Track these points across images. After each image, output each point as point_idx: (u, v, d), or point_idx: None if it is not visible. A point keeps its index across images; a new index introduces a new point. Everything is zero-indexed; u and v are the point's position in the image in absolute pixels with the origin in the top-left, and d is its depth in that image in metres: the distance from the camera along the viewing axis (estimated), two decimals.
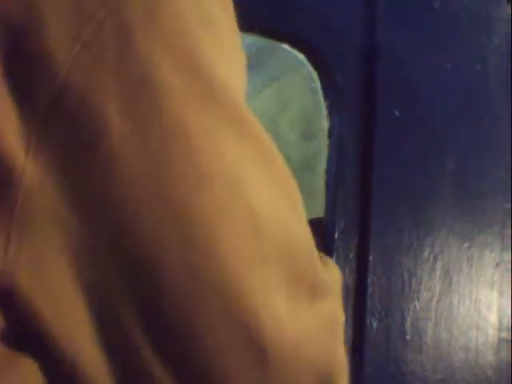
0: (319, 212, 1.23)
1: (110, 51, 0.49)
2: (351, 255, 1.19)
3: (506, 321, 1.29)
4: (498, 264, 1.28)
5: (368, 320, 1.18)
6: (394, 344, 1.20)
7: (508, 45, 1.33)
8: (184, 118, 0.50)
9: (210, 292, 0.51)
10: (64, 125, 0.49)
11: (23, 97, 0.49)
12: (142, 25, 0.50)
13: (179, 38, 0.51)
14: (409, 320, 1.21)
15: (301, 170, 1.78)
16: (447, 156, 1.27)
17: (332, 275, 0.63)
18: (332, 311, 0.60)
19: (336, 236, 1.18)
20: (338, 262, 1.18)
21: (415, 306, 1.21)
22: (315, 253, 0.59)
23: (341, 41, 1.23)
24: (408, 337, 1.21)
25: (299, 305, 0.55)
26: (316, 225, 1.19)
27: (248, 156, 0.54)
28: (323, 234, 1.20)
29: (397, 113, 1.23)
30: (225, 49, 0.55)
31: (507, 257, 1.29)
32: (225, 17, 0.56)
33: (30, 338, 0.50)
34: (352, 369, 1.18)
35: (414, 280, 1.21)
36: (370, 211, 1.20)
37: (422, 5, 1.28)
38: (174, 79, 0.50)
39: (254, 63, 1.61)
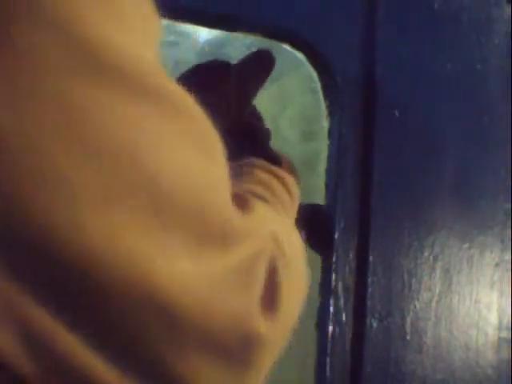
0: None
1: None
2: (351, 255, 1.19)
3: (506, 321, 1.29)
4: (497, 264, 1.28)
5: (368, 320, 1.18)
6: (394, 344, 1.20)
7: (508, 45, 1.33)
8: (67, 91, 0.48)
9: (102, 268, 0.50)
10: None
11: None
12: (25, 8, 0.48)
13: (63, 13, 0.48)
14: (409, 320, 1.21)
15: (301, 169, 1.78)
16: (447, 156, 1.27)
17: (255, 216, 0.61)
18: (247, 258, 0.57)
19: (336, 236, 1.18)
20: (338, 262, 1.18)
21: (415, 306, 1.21)
22: (227, 205, 0.57)
23: (341, 41, 1.23)
24: (408, 337, 1.21)
25: (207, 265, 0.54)
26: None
27: (152, 119, 0.51)
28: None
29: (397, 113, 1.24)
30: (126, 19, 0.51)
31: (507, 257, 1.29)
32: None
33: None
34: (352, 369, 1.19)
35: (414, 280, 1.21)
36: (370, 211, 1.20)
37: (422, 5, 1.28)
38: (56, 54, 0.48)
39: None
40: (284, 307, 0.58)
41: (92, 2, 0.49)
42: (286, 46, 1.23)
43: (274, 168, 0.84)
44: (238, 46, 1.56)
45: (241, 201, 0.59)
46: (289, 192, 0.83)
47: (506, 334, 1.29)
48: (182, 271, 0.52)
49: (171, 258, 0.51)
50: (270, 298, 0.58)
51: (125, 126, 0.50)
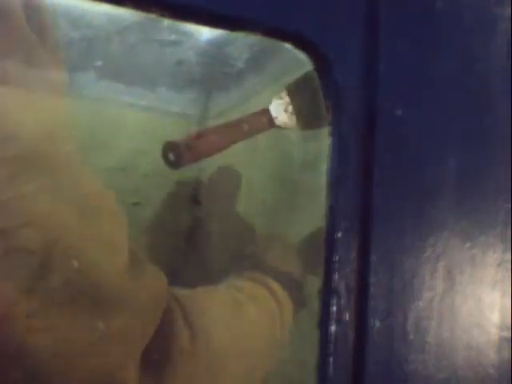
0: (321, 212, 1.22)
1: None
2: (353, 255, 1.19)
3: (508, 320, 1.29)
4: (500, 264, 1.28)
5: (370, 320, 1.18)
6: (396, 344, 1.20)
7: (510, 44, 1.33)
8: None
9: None
10: None
11: None
12: None
13: None
14: (411, 320, 1.21)
15: (302, 169, 1.78)
16: (449, 156, 1.26)
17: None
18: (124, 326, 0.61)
19: (338, 236, 1.18)
20: (339, 262, 1.18)
21: (417, 306, 1.21)
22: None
23: (342, 40, 1.23)
24: (410, 336, 1.21)
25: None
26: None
27: None
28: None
29: (398, 112, 1.23)
30: None
31: (509, 257, 1.29)
32: None
33: None
34: (355, 368, 1.19)
35: (416, 280, 1.21)
36: (372, 211, 1.20)
37: (424, 4, 1.28)
38: None
39: (257, 63, 1.61)
40: None
41: None
42: (288, 46, 1.23)
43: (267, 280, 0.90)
44: (240, 45, 1.56)
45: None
46: (277, 302, 0.89)
47: (507, 334, 1.29)
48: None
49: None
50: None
51: None
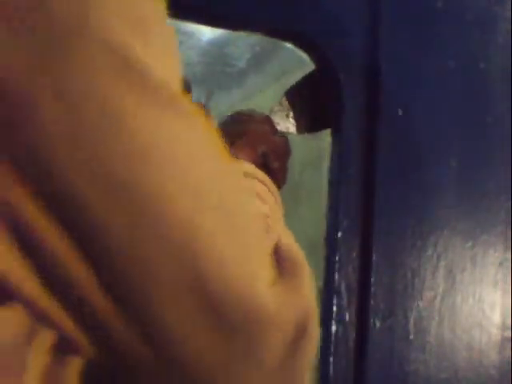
0: (322, 211, 1.23)
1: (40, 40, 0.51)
2: (354, 255, 1.19)
3: (509, 320, 1.29)
4: (501, 263, 1.28)
5: (371, 320, 1.18)
6: (397, 343, 1.20)
7: (511, 44, 1.33)
8: (116, 100, 0.52)
9: (158, 260, 0.53)
10: None
11: None
12: (75, 28, 0.52)
13: (108, 35, 0.53)
14: (412, 319, 1.21)
15: (304, 168, 1.78)
16: (450, 155, 1.27)
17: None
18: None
19: (339, 235, 1.18)
20: (341, 261, 1.18)
21: (418, 306, 1.21)
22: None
23: (344, 40, 1.23)
24: (411, 336, 1.21)
25: (257, 269, 0.57)
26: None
27: (182, 134, 0.55)
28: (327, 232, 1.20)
29: (400, 112, 1.23)
30: (154, 44, 0.56)
31: (510, 256, 1.29)
32: (154, 12, 0.57)
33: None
34: (356, 368, 1.19)
35: (417, 279, 1.21)
36: (373, 211, 1.20)
37: (425, 4, 1.28)
38: (103, 66, 0.52)
39: (258, 62, 1.61)
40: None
41: (134, 31, 0.54)
42: (289, 45, 1.23)
43: (251, 169, 0.90)
44: (241, 45, 1.56)
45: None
46: (272, 192, 0.88)
47: (508, 334, 1.29)
48: (231, 275, 0.54)
49: (221, 257, 0.54)
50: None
51: (167, 140, 0.54)
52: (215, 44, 1.71)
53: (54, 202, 0.52)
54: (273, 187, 0.90)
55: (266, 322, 0.55)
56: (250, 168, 0.91)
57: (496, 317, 1.27)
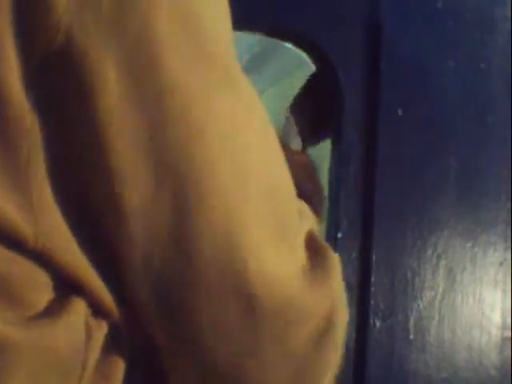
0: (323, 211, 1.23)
1: (106, 5, 0.51)
2: (354, 255, 1.19)
3: (510, 320, 1.29)
4: (501, 263, 1.28)
5: (371, 319, 1.18)
6: (397, 343, 1.20)
7: (510, 44, 1.33)
8: (178, 73, 0.53)
9: (202, 242, 0.53)
10: (65, 78, 0.51)
11: (26, 48, 0.51)
12: None
13: None
14: (412, 319, 1.21)
15: None
16: (450, 155, 1.26)
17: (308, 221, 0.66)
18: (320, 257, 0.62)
19: (339, 235, 1.18)
20: (341, 261, 1.18)
21: (418, 306, 1.21)
22: (297, 204, 0.62)
23: (344, 40, 1.23)
24: (411, 336, 1.21)
25: (290, 259, 0.57)
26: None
27: (237, 110, 0.57)
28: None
29: (400, 112, 1.23)
30: (226, 20, 0.60)
31: (510, 256, 1.29)
32: None
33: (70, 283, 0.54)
34: (355, 368, 1.19)
35: (417, 279, 1.21)
36: (373, 210, 1.20)
37: (426, 4, 1.28)
38: (167, 34, 0.53)
39: (258, 62, 1.61)
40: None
41: (213, 11, 0.58)
42: (289, 45, 1.23)
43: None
44: (241, 45, 1.56)
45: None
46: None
47: (508, 333, 1.29)
48: (266, 259, 0.55)
49: (258, 244, 0.55)
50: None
51: (224, 116, 0.55)
52: None
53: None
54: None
55: (298, 311, 0.56)
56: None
57: (496, 317, 1.27)
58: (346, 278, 1.19)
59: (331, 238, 1.19)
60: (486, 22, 1.32)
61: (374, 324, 1.18)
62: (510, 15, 1.34)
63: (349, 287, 1.18)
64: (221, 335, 0.55)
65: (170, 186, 0.52)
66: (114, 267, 0.54)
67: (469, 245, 1.26)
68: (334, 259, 0.63)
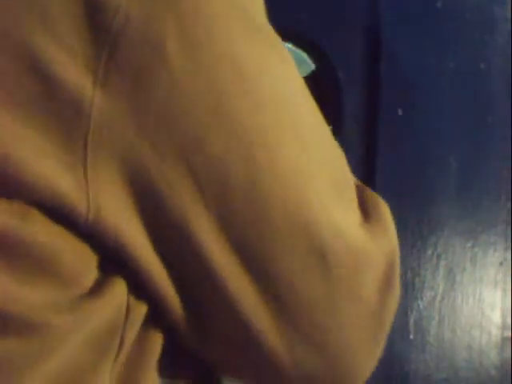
0: None
1: None
2: None
3: (509, 320, 1.29)
4: (501, 263, 1.28)
5: None
6: (397, 343, 1.20)
7: (511, 44, 1.33)
8: (232, 44, 0.55)
9: (274, 207, 0.55)
10: (128, 56, 0.52)
11: (89, 29, 0.52)
12: None
13: None
14: (412, 319, 1.21)
15: None
16: (450, 155, 1.27)
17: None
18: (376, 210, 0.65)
19: None
20: None
21: (418, 305, 1.21)
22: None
23: (344, 40, 1.23)
24: (411, 336, 1.21)
25: (350, 213, 0.61)
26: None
27: (289, 78, 0.60)
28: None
29: (400, 112, 1.23)
30: None
31: (510, 256, 1.29)
32: None
33: (116, 261, 0.55)
34: None
35: (417, 279, 1.21)
36: None
37: (425, 4, 1.28)
38: (219, 7, 0.55)
39: None
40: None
41: None
42: (289, 45, 1.23)
43: None
44: None
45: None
46: None
47: (508, 333, 1.29)
48: (335, 217, 0.58)
49: (326, 204, 0.58)
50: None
51: (280, 84, 0.58)
52: None
53: (182, 154, 0.53)
54: None
55: (363, 261, 0.59)
56: None
57: (496, 317, 1.27)
58: None
59: None
60: (486, 22, 1.32)
61: None
62: (510, 15, 1.34)
63: None
64: (298, 290, 0.57)
65: (240, 152, 0.54)
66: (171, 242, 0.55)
67: (469, 245, 1.26)
68: (385, 208, 0.66)
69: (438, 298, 1.23)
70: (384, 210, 0.66)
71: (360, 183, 0.68)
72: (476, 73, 1.31)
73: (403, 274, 1.21)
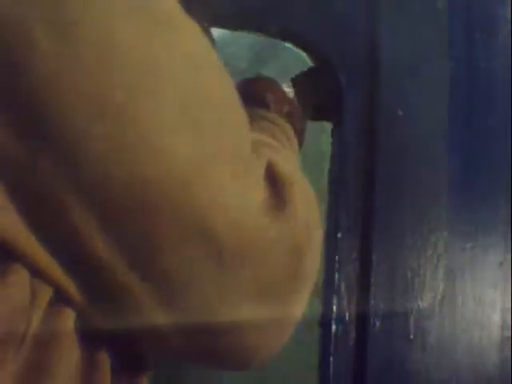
0: (322, 211, 1.23)
1: None
2: (354, 255, 1.19)
3: (509, 319, 1.29)
4: (501, 263, 1.28)
5: (371, 320, 1.18)
6: (397, 343, 1.20)
7: (510, 44, 1.33)
8: (107, 24, 0.54)
9: (162, 199, 0.53)
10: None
11: None
12: None
13: None
14: (412, 319, 1.21)
15: (304, 169, 1.77)
16: (450, 155, 1.27)
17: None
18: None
19: (339, 236, 1.18)
20: (341, 261, 1.18)
21: (419, 306, 1.21)
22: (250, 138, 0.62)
23: (344, 40, 1.23)
24: (411, 336, 1.21)
25: (253, 192, 0.58)
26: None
27: (187, 56, 0.58)
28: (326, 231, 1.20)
29: (400, 112, 1.23)
30: None
31: (510, 256, 1.29)
32: None
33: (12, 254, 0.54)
34: (356, 368, 1.19)
35: (417, 280, 1.21)
36: (373, 211, 1.20)
37: (426, 4, 1.28)
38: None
39: (258, 62, 1.61)
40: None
41: None
42: (289, 46, 1.23)
43: (271, 115, 0.90)
44: (241, 45, 1.56)
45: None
46: (287, 137, 0.88)
47: (508, 333, 1.29)
48: (228, 204, 0.55)
49: (218, 190, 0.55)
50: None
51: (156, 51, 0.56)
52: (216, 44, 1.70)
53: (51, 141, 0.52)
54: (291, 133, 0.90)
55: (260, 252, 0.57)
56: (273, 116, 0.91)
57: (496, 317, 1.27)
58: (346, 278, 1.20)
59: (331, 238, 1.19)
60: (485, 22, 1.32)
61: (374, 324, 1.18)
62: (510, 15, 1.34)
63: (349, 287, 1.18)
64: (187, 282, 0.56)
65: (106, 130, 0.53)
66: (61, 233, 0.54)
67: (469, 245, 1.26)
68: (297, 188, 0.63)
69: (438, 298, 1.23)
70: (296, 189, 0.62)
71: (275, 161, 0.63)
72: (476, 73, 1.31)
73: (403, 274, 1.21)
